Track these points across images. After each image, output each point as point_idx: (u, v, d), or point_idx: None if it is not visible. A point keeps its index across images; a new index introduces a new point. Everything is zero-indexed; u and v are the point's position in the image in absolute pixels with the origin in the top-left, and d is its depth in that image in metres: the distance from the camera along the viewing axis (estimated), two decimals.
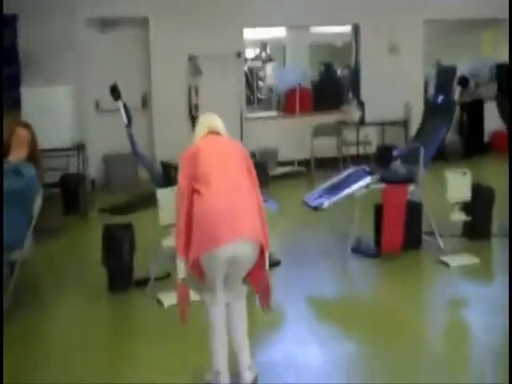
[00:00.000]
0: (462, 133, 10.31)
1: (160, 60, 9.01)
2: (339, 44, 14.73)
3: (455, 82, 5.59)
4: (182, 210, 3.44)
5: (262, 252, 3.43)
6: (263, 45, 9.01)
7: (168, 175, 5.20)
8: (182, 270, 3.43)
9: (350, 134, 9.27)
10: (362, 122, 8.84)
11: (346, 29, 13.19)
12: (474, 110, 10.23)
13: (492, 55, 14.57)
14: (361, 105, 8.81)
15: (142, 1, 8.81)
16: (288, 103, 9.84)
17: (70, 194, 7.56)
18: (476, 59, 13.47)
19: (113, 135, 8.88)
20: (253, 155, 9.04)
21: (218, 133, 3.69)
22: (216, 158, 3.48)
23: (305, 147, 9.25)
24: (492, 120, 10.19)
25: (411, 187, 5.61)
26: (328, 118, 9.38)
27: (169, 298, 4.84)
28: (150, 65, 9.09)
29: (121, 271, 5.09)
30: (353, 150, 9.27)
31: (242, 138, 9.29)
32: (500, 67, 6.20)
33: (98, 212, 7.61)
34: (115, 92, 5.18)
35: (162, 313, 4.73)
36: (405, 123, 9.41)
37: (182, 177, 3.49)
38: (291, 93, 9.81)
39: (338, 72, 14.00)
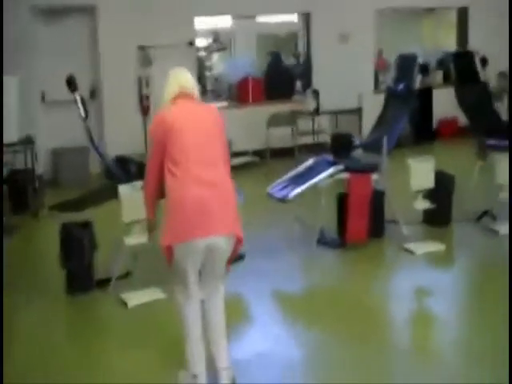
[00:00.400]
0: (412, 120, 10.37)
1: (109, 50, 8.69)
2: (283, 34, 14.72)
3: (416, 69, 5.56)
4: (152, 168, 3.38)
5: (237, 242, 3.34)
6: (215, 34, 8.80)
7: (127, 170, 4.98)
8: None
9: (304, 124, 9.19)
10: (317, 111, 8.77)
11: (291, 18, 13.14)
12: (424, 97, 10.29)
13: (433, 43, 14.82)
14: (316, 94, 8.74)
15: None
16: (240, 93, 9.68)
17: (19, 191, 7.22)
18: (421, 47, 13.67)
19: (60, 128, 8.59)
20: None
21: (190, 95, 3.47)
22: (193, 136, 3.29)
23: (259, 137, 9.13)
24: (439, 107, 10.40)
25: (375, 176, 5.56)
26: (281, 107, 9.24)
27: (133, 298, 4.67)
28: (99, 55, 8.76)
29: (81, 272, 4.86)
30: (306, 140, 9.20)
31: None
32: (457, 56, 6.16)
33: (49, 209, 7.28)
34: (72, 84, 4.93)
35: (127, 314, 4.55)
36: (359, 111, 9.40)
37: (154, 142, 3.36)
38: (243, 82, 9.66)
39: (285, 62, 14.01)
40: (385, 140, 5.48)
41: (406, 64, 5.78)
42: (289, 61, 14.18)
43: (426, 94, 10.32)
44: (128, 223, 4.69)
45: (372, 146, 5.71)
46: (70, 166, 8.59)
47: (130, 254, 4.92)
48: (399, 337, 4.18)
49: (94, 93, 8.94)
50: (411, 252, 5.44)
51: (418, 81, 5.62)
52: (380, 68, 10.49)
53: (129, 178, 4.81)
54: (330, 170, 5.40)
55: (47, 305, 4.76)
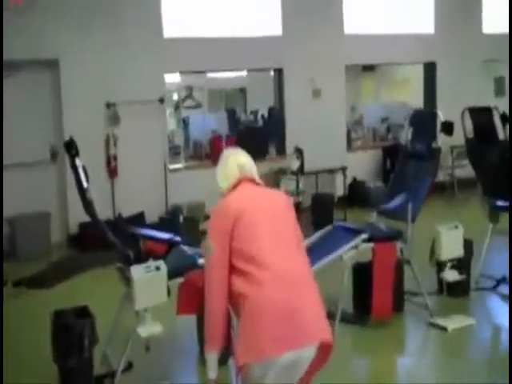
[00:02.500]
0: (386, 178, 10.09)
1: (73, 107, 7.98)
2: (231, 89, 14.42)
3: (437, 128, 5.19)
4: (215, 289, 2.65)
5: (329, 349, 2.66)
6: (189, 90, 8.27)
7: (136, 247, 4.30)
8: (214, 367, 2.67)
9: (284, 184, 8.66)
10: (301, 170, 8.30)
11: (240, 73, 12.83)
12: (396, 154, 10.02)
13: (373, 100, 14.84)
14: (299, 152, 8.29)
15: (51, 40, 7.78)
16: (213, 152, 9.14)
17: None
18: (382, 103, 13.60)
19: (16, 193, 7.76)
20: (181, 210, 8.25)
21: (252, 179, 2.91)
22: (267, 227, 2.71)
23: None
24: None
25: (399, 244, 5.08)
26: (259, 167, 8.72)
27: None
28: (62, 113, 8.04)
29: (80, 368, 4.07)
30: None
31: (166, 192, 8.46)
32: (475, 112, 5.72)
33: (13, 286, 6.40)
34: (72, 148, 4.21)
35: None
36: (343, 170, 9.00)
37: (214, 244, 2.69)
38: (216, 141, 9.14)
39: (242, 118, 13.66)
40: (410, 206, 5.02)
41: (424, 121, 5.41)
42: (248, 117, 13.91)
43: (397, 151, 10.06)
44: (140, 311, 3.99)
45: (395, 212, 5.23)
46: (29, 235, 7.69)
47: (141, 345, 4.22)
48: None
49: (54, 155, 8.17)
50: (442, 328, 4.94)
51: (439, 140, 5.24)
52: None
53: (139, 257, 4.13)
54: (356, 240, 4.86)
55: None
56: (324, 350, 2.65)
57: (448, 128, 5.10)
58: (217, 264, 2.68)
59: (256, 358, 2.52)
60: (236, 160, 2.94)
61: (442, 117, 5.26)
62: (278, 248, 2.68)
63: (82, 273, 6.48)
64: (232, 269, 2.65)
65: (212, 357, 2.68)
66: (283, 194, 3.00)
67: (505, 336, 5.07)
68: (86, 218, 7.11)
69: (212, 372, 2.69)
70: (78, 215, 7.81)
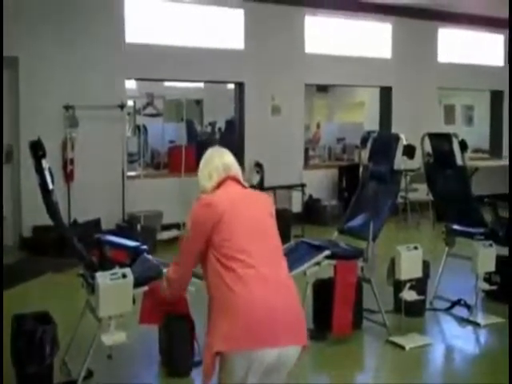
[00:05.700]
0: (341, 197, 10.26)
1: (31, 107, 7.84)
2: (186, 100, 14.37)
3: (399, 151, 5.30)
4: (189, 260, 2.86)
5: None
6: (150, 97, 8.19)
7: (100, 254, 4.21)
8: None
9: None
10: (261, 185, 8.32)
11: (197, 85, 12.84)
12: (351, 174, 10.20)
13: (326, 120, 15.11)
14: (260, 167, 8.32)
15: (12, 37, 7.60)
16: (172, 162, 9.08)
17: None
18: (338, 124, 13.83)
19: None
20: (138, 219, 8.15)
21: (237, 179, 2.93)
22: (250, 228, 2.75)
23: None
24: None
25: (360, 263, 5.16)
26: None
27: None
28: (19, 112, 7.86)
29: (39, 375, 3.96)
30: None
31: (123, 199, 8.34)
32: (435, 137, 5.88)
33: None
34: (39, 148, 3.99)
35: None
36: (302, 187, 9.08)
37: (190, 232, 2.80)
38: (176, 151, 9.07)
39: (198, 129, 13.64)
40: (371, 225, 5.10)
41: (387, 143, 5.51)
42: (204, 129, 13.89)
43: (353, 171, 10.24)
44: (105, 318, 3.91)
45: (357, 231, 5.31)
46: None
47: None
48: None
49: (9, 155, 7.97)
50: (399, 346, 5.02)
51: (401, 163, 5.35)
52: (316, 141, 10.32)
53: (103, 264, 4.05)
54: (319, 256, 4.91)
55: None
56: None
57: (410, 151, 5.22)
58: (187, 251, 2.83)
59: (237, 347, 2.52)
60: (222, 160, 2.93)
61: (404, 140, 5.37)
62: (262, 249, 2.73)
63: (37, 277, 6.42)
64: (215, 261, 2.67)
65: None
66: (268, 197, 3.01)
67: (458, 357, 5.21)
68: (40, 222, 7.10)
69: None
70: (31, 218, 7.67)
